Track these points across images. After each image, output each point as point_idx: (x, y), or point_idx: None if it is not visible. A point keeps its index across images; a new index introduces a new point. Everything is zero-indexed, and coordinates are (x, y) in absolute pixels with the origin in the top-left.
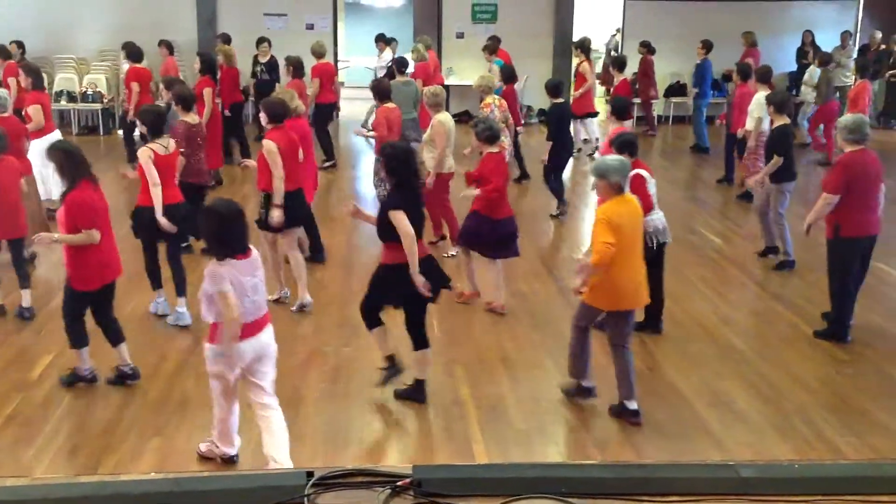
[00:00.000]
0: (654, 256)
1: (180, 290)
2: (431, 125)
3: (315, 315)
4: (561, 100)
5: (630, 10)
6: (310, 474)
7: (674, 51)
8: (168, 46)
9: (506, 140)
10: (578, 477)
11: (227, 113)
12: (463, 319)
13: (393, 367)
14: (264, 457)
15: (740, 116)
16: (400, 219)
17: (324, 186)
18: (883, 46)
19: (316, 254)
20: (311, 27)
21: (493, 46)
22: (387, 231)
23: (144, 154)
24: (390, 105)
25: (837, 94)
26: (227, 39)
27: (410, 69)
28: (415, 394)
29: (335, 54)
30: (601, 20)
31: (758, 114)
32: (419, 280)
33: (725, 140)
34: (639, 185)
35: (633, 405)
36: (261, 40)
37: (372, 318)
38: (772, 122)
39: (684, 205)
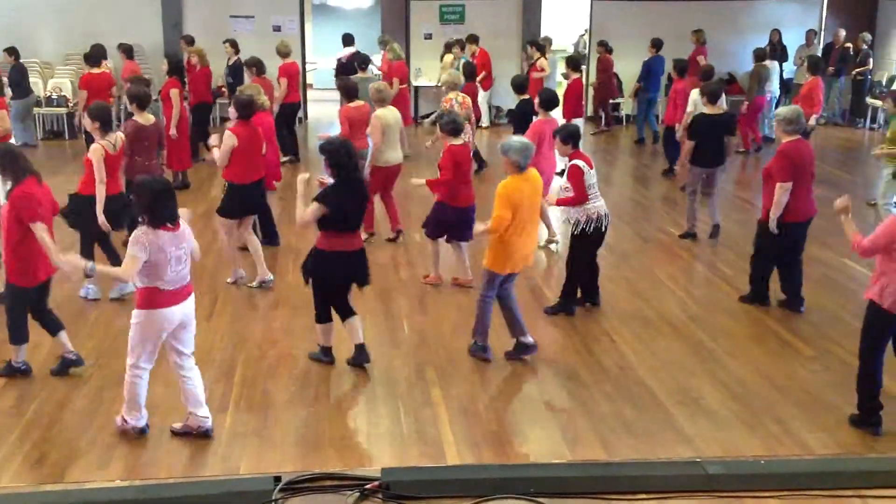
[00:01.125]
0: (596, 238)
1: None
2: (371, 118)
3: (285, 318)
4: (527, 96)
5: (597, 10)
6: (277, 479)
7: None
8: (126, 51)
9: (468, 135)
10: (547, 476)
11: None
12: (433, 321)
13: (327, 355)
14: (187, 412)
15: (674, 110)
16: (312, 209)
17: (288, 184)
18: (848, 45)
19: (271, 238)
20: (278, 29)
21: (462, 43)
22: (320, 220)
23: (98, 152)
24: (358, 103)
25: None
26: (190, 41)
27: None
28: (361, 358)
29: (303, 56)
30: (569, 20)
31: (689, 108)
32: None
33: (663, 133)
34: (575, 176)
35: (528, 340)
36: (224, 41)
37: (319, 311)
38: (707, 109)
39: (649, 202)
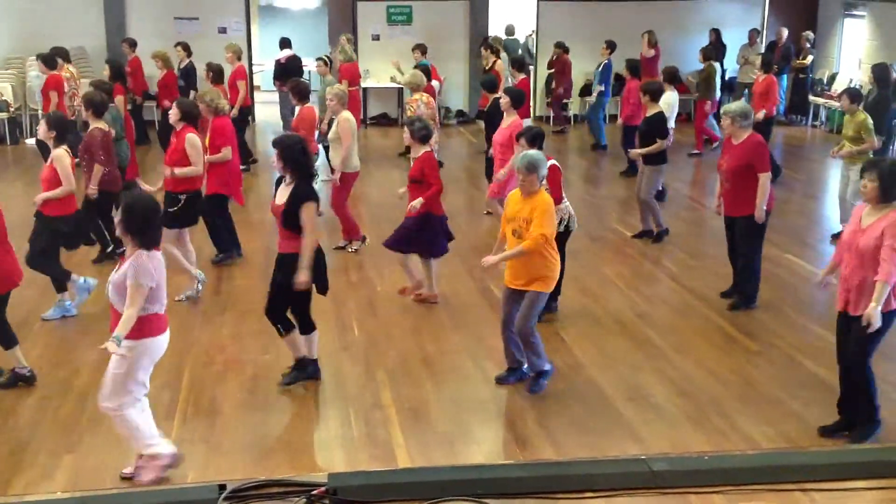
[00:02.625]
0: (565, 237)
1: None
2: (338, 122)
3: (233, 324)
4: (499, 94)
5: (543, 10)
6: (222, 487)
7: (589, 51)
8: (63, 55)
9: (435, 137)
10: (494, 477)
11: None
12: (383, 323)
13: (304, 369)
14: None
15: (627, 109)
16: (310, 213)
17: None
18: (790, 45)
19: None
20: (223, 30)
21: (424, 47)
22: (293, 220)
23: (66, 158)
24: (309, 105)
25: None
26: (132, 44)
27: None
28: (315, 373)
29: (249, 58)
30: (516, 21)
31: (667, 113)
32: (305, 276)
33: (622, 133)
34: (555, 176)
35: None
36: (176, 45)
37: (285, 320)
38: (645, 109)
39: (600, 202)
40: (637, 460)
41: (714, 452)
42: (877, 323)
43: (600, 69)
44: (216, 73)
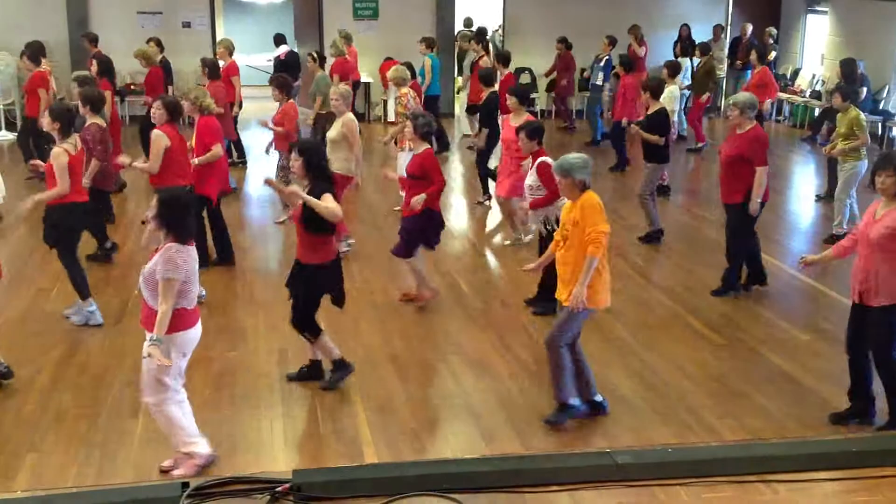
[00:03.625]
0: None
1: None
2: (344, 123)
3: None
4: (495, 88)
5: (510, 5)
6: (185, 485)
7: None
8: (43, 51)
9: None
10: (460, 472)
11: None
12: (350, 319)
13: (345, 367)
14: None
15: (623, 105)
16: (330, 200)
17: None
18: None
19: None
20: (187, 25)
21: (430, 41)
22: (315, 222)
23: (62, 157)
24: (292, 101)
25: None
26: (93, 39)
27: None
28: (341, 374)
29: (213, 53)
30: (481, 15)
31: (670, 106)
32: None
33: (612, 129)
34: (545, 172)
35: (598, 398)
36: (148, 40)
37: (313, 326)
38: (647, 107)
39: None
40: (602, 453)
41: (678, 445)
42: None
43: (602, 64)
44: (212, 69)
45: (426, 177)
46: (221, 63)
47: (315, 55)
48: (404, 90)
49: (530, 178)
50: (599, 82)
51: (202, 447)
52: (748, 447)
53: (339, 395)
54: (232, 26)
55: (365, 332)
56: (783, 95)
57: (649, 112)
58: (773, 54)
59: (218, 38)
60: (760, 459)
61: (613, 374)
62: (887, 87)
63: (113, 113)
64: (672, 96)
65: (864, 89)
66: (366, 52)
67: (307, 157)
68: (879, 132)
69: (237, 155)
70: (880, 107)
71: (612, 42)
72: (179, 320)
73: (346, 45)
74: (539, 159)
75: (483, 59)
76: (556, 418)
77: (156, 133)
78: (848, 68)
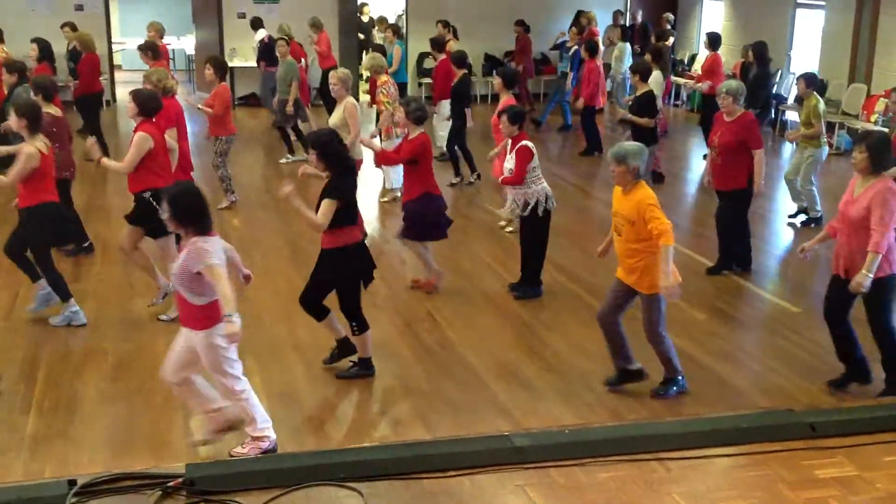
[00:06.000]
0: (544, 222)
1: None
2: (345, 108)
3: (92, 311)
4: (464, 70)
5: None
6: (72, 483)
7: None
8: None
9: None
10: (357, 460)
11: None
12: (253, 308)
13: (344, 348)
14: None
15: (586, 89)
16: (327, 207)
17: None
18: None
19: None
20: (80, 8)
21: (396, 27)
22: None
23: (35, 155)
24: (225, 83)
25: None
26: None
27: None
28: (362, 371)
29: (108, 36)
30: (386, 2)
31: (657, 91)
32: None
33: (583, 113)
34: (524, 156)
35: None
36: (62, 25)
37: (319, 308)
38: (636, 88)
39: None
40: (500, 437)
41: (575, 426)
42: (863, 289)
43: (570, 53)
44: (154, 51)
45: (420, 160)
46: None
47: (287, 39)
48: (384, 78)
49: (510, 162)
50: (568, 70)
51: (272, 433)
52: (642, 426)
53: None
54: (127, 10)
55: (267, 322)
56: (680, 80)
57: (638, 94)
58: (671, 39)
59: (112, 22)
60: (654, 438)
61: (516, 357)
62: (780, 71)
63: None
64: (657, 81)
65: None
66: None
67: (319, 149)
68: (773, 115)
69: None
70: (773, 91)
71: (581, 31)
72: (216, 311)
73: (317, 32)
74: (520, 143)
75: (450, 43)
76: (664, 391)
77: (141, 136)
78: (760, 50)
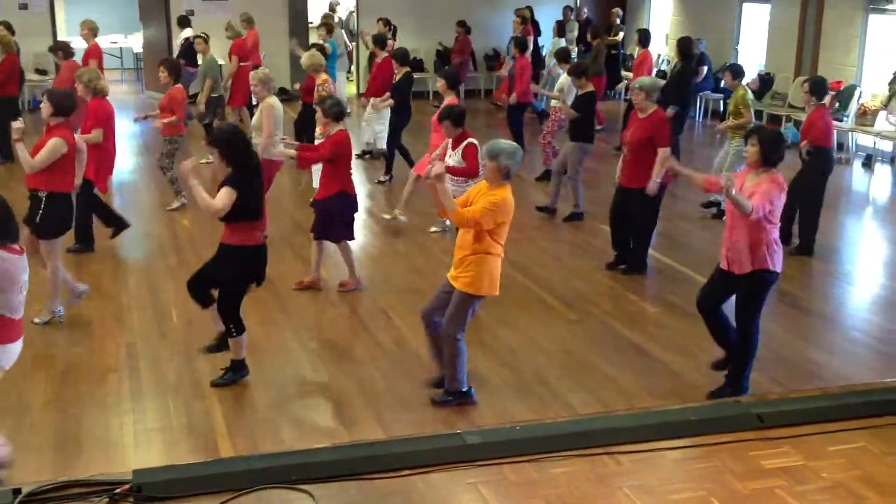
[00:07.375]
0: None
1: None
2: (262, 108)
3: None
4: (406, 68)
5: None
6: (16, 492)
7: (414, 28)
8: None
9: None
10: (309, 462)
11: None
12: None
13: (223, 342)
14: None
15: (519, 86)
16: (224, 193)
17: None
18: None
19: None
20: (24, 7)
21: (329, 26)
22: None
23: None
24: (180, 85)
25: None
26: None
27: None
28: (236, 376)
29: (53, 35)
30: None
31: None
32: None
33: (509, 110)
34: (472, 153)
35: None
36: None
37: (204, 296)
38: (580, 88)
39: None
40: (451, 435)
41: (526, 422)
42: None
43: (507, 44)
44: (66, 51)
45: (338, 158)
46: (85, 45)
47: (205, 36)
48: (323, 76)
49: (451, 159)
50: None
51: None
52: (593, 420)
53: (192, 388)
54: (72, 8)
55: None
56: (629, 75)
57: (580, 93)
58: (620, 34)
59: (58, 21)
60: (605, 432)
61: (470, 353)
62: (727, 64)
63: None
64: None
65: (706, 68)
66: (219, 33)
67: (219, 147)
68: (721, 109)
69: None
70: (721, 85)
71: (524, 21)
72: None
73: (247, 28)
74: (466, 140)
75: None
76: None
77: (57, 142)
78: (684, 46)
